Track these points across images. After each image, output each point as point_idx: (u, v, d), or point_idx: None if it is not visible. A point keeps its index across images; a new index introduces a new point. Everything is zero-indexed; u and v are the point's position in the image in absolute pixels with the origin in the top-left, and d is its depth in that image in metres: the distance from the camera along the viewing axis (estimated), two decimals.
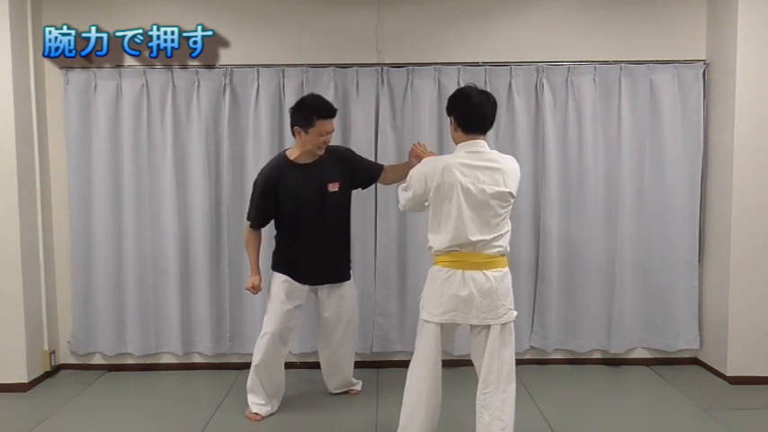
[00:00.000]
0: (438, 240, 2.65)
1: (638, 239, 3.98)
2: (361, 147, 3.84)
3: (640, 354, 4.10)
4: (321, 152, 3.19)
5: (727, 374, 3.76)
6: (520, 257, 3.96)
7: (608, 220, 3.96)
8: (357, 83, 3.87)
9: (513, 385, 2.72)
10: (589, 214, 3.93)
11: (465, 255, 2.60)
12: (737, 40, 3.63)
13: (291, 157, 3.22)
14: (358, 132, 3.89)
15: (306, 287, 3.29)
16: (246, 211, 3.33)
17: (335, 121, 3.83)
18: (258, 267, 3.33)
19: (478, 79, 3.85)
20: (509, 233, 2.69)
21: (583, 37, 3.94)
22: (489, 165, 2.62)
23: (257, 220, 3.27)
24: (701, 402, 3.47)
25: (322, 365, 3.56)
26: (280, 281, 3.25)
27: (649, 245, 3.98)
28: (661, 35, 3.93)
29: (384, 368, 4.00)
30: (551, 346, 4.03)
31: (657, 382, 3.80)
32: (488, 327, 2.64)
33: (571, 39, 3.93)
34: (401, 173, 3.30)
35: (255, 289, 3.33)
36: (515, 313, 2.71)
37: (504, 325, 2.65)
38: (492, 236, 2.60)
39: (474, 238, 2.57)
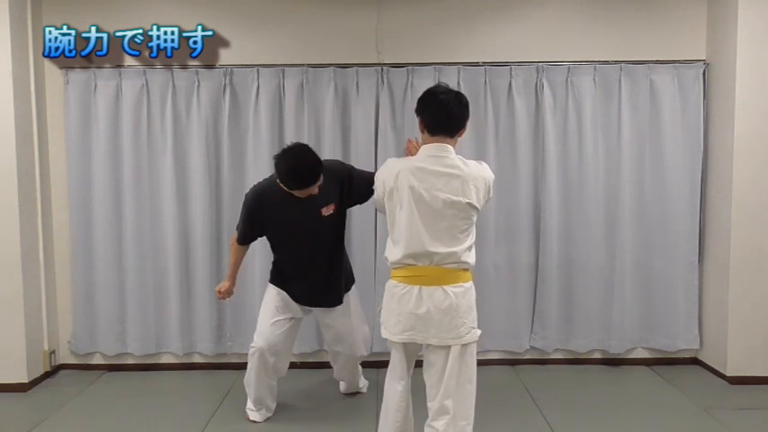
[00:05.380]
0: (393, 252, 2.44)
1: (638, 239, 3.98)
2: (361, 147, 3.84)
3: (640, 354, 4.10)
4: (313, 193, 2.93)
5: (727, 374, 3.76)
6: (520, 257, 3.97)
7: (608, 220, 3.96)
8: (357, 83, 3.87)
9: (472, 414, 2.48)
10: (589, 214, 3.93)
11: (421, 269, 2.39)
12: (737, 40, 3.63)
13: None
14: (358, 132, 3.89)
15: (300, 305, 3.19)
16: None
17: (335, 119, 3.87)
18: (234, 275, 3.23)
19: (478, 79, 3.87)
20: (472, 247, 2.45)
21: (583, 37, 3.94)
22: (448, 171, 2.37)
23: (242, 238, 3.14)
24: (701, 402, 3.47)
25: (334, 372, 3.57)
26: (274, 291, 3.16)
27: (649, 245, 3.98)
28: (661, 35, 3.93)
29: (384, 368, 3.96)
30: (551, 346, 4.03)
31: (657, 382, 3.80)
32: (448, 347, 2.41)
33: (571, 39, 3.93)
34: None
35: (222, 294, 3.23)
36: (479, 332, 2.47)
37: (465, 346, 2.42)
38: (450, 249, 2.37)
39: (431, 249, 2.36)
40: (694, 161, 3.94)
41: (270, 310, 3.14)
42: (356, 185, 3.01)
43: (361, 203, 3.13)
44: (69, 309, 4.00)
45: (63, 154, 3.92)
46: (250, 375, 3.19)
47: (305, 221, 2.97)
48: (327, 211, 2.98)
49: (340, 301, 3.20)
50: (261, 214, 3.02)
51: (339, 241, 3.15)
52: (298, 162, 2.83)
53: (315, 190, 2.90)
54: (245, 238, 3.15)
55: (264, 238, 3.18)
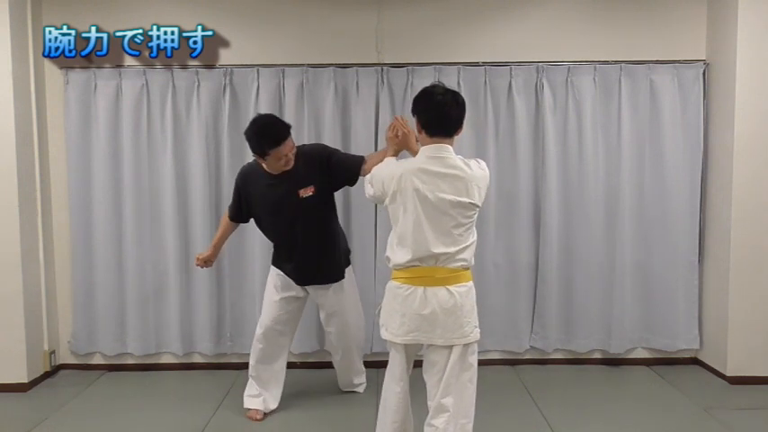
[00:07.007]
0: (398, 254, 2.43)
1: (638, 239, 3.98)
2: (361, 147, 3.84)
3: (640, 354, 4.10)
4: (289, 167, 3.00)
5: (727, 374, 3.76)
6: (520, 257, 3.97)
7: (608, 220, 3.96)
8: (357, 83, 3.87)
9: (472, 413, 2.49)
10: (589, 214, 3.93)
11: (426, 270, 2.39)
12: (737, 40, 3.63)
13: (264, 164, 3.04)
14: (358, 132, 3.89)
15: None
16: None
17: (335, 119, 3.87)
18: (217, 246, 3.35)
19: (478, 79, 3.87)
20: (474, 245, 2.46)
21: (583, 37, 3.94)
22: (451, 172, 2.38)
23: (231, 213, 3.29)
24: (701, 402, 3.47)
25: (333, 363, 3.59)
26: (275, 273, 3.27)
27: (649, 245, 3.98)
28: (661, 35, 3.93)
29: (384, 368, 3.97)
30: (551, 346, 4.03)
31: (657, 382, 3.80)
32: (450, 347, 2.41)
33: (571, 39, 3.93)
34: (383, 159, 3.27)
35: (200, 261, 3.33)
36: (479, 331, 2.49)
37: (467, 345, 2.42)
38: (455, 248, 2.38)
39: (437, 251, 2.36)
40: (694, 161, 3.94)
41: (273, 291, 3.26)
42: (337, 168, 3.06)
43: (350, 185, 3.17)
44: (69, 309, 4.00)
45: (63, 154, 3.92)
46: (258, 354, 3.25)
47: (284, 202, 3.05)
48: (305, 192, 3.03)
49: (334, 279, 3.25)
50: (246, 191, 3.16)
51: (325, 223, 3.18)
52: (265, 120, 2.99)
53: (291, 158, 2.97)
54: (234, 214, 3.29)
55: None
